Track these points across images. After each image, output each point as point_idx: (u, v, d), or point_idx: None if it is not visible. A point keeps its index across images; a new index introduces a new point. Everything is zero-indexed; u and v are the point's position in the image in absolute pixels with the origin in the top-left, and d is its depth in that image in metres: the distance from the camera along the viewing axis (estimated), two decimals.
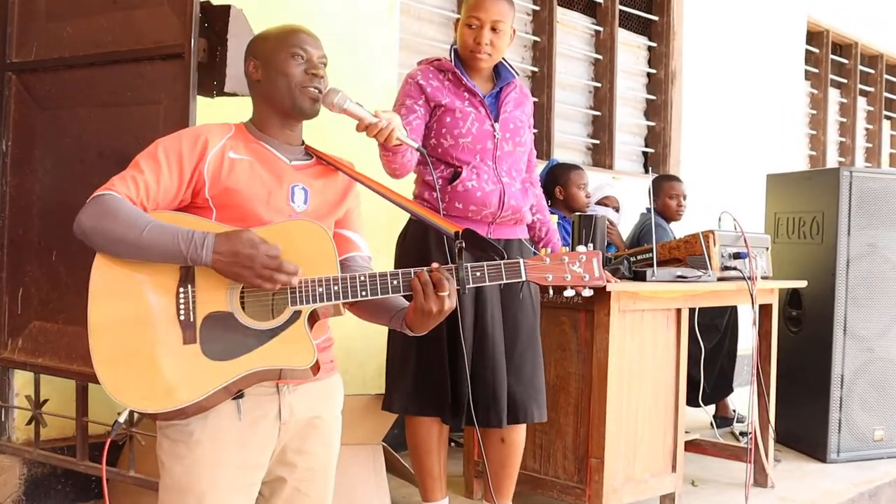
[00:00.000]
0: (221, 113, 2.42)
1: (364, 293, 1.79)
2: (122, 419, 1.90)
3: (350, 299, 1.79)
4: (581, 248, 1.85)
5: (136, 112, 2.67)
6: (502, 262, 1.83)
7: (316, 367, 1.78)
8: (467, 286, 1.81)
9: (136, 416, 2.68)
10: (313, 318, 1.80)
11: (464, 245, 1.82)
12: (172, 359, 1.72)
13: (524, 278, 1.82)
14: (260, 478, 1.89)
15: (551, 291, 1.86)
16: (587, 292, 1.86)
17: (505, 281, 1.81)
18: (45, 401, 2.91)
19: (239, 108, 2.39)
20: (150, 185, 1.78)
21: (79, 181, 2.74)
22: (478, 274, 1.82)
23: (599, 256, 1.86)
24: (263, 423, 1.85)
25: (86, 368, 2.65)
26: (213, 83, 2.66)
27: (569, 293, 1.85)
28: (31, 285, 2.84)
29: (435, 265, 1.80)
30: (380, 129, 2.05)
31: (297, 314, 1.76)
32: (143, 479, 2.72)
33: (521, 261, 1.83)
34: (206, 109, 2.63)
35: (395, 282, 1.80)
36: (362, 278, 1.78)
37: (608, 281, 2.97)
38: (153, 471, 2.69)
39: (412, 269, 1.79)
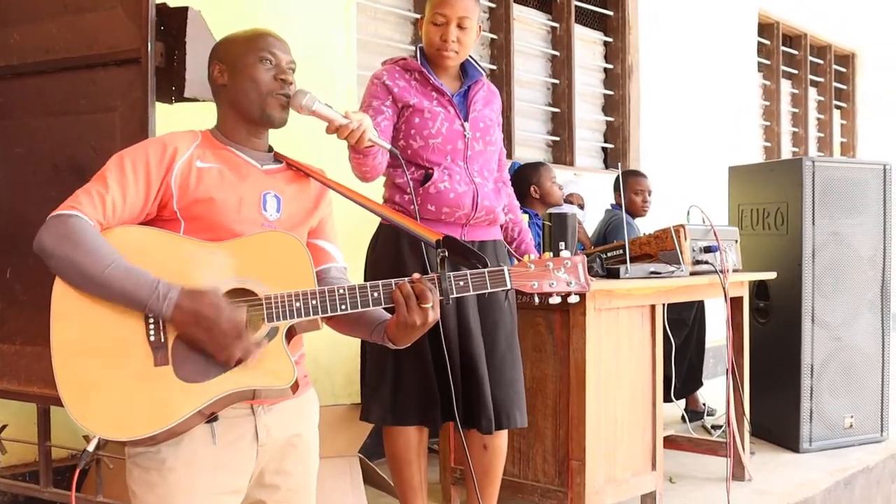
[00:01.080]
0: (181, 119, 2.32)
1: (344, 307, 1.71)
2: (90, 447, 1.79)
3: (329, 314, 1.71)
4: (565, 254, 1.80)
5: (91, 120, 2.56)
6: (486, 270, 1.77)
7: (295, 386, 1.70)
8: (451, 296, 1.74)
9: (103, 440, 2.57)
10: (290, 334, 1.72)
11: (446, 254, 1.75)
12: (143, 382, 1.62)
13: (509, 286, 1.76)
14: (238, 503, 1.80)
15: (537, 299, 1.80)
16: (573, 299, 1.81)
17: (490, 290, 1.75)
18: (4, 426, 2.78)
19: (200, 115, 2.29)
20: (117, 202, 1.68)
21: (32, 193, 2.63)
22: (461, 283, 1.75)
23: (584, 262, 1.81)
24: (240, 446, 1.76)
25: (47, 391, 2.53)
26: (171, 88, 2.57)
27: (554, 300, 1.80)
28: None
29: (416, 276, 1.73)
30: (351, 130, 1.97)
31: (273, 331, 1.68)
32: None
33: (506, 269, 1.77)
34: (166, 116, 2.52)
35: (375, 294, 1.73)
36: (341, 291, 1.71)
37: None
38: (122, 495, 2.58)
39: (393, 281, 1.72)
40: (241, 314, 1.63)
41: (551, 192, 4.27)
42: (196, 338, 1.63)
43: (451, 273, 1.74)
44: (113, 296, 1.62)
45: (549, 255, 1.81)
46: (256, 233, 1.76)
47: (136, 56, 2.45)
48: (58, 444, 2.71)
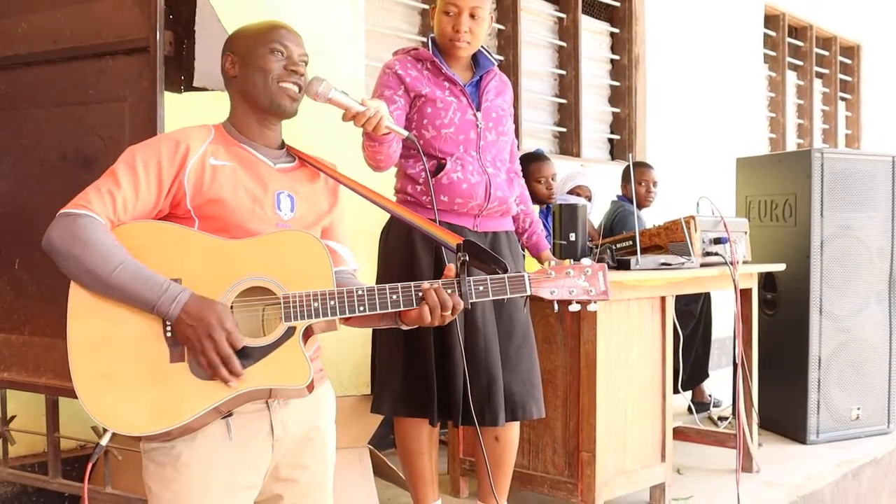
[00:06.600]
0: (191, 109, 2.31)
1: (362, 308, 1.71)
2: (104, 442, 1.78)
3: (347, 315, 1.70)
4: (586, 261, 1.80)
5: (100, 111, 2.53)
6: (506, 276, 1.76)
7: (311, 387, 1.69)
8: (470, 301, 1.74)
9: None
10: (307, 334, 1.71)
11: (468, 258, 1.74)
12: (159, 378, 1.62)
13: (528, 293, 1.76)
14: (252, 499, 1.79)
15: (556, 306, 1.79)
16: (592, 307, 1.79)
17: (509, 296, 1.75)
18: (13, 417, 2.76)
19: (209, 104, 2.27)
20: (128, 200, 1.67)
21: (39, 185, 2.61)
22: (481, 288, 1.76)
23: (605, 269, 1.80)
24: (255, 441, 1.75)
25: (56, 382, 2.52)
26: (181, 78, 2.55)
27: (574, 308, 1.79)
28: None
29: (436, 282, 1.73)
30: (368, 117, 1.97)
31: (290, 331, 1.67)
32: (121, 496, 2.59)
33: (526, 275, 1.76)
34: (175, 105, 2.51)
35: (394, 297, 1.73)
36: (360, 293, 1.70)
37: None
38: (130, 486, 2.58)
39: (412, 284, 1.72)
40: (241, 340, 1.63)
41: (534, 192, 4.14)
42: (189, 339, 1.61)
43: (472, 278, 1.75)
44: (122, 297, 1.62)
45: (569, 261, 1.81)
46: (275, 231, 1.75)
47: (145, 45, 2.42)
48: (66, 436, 2.69)
